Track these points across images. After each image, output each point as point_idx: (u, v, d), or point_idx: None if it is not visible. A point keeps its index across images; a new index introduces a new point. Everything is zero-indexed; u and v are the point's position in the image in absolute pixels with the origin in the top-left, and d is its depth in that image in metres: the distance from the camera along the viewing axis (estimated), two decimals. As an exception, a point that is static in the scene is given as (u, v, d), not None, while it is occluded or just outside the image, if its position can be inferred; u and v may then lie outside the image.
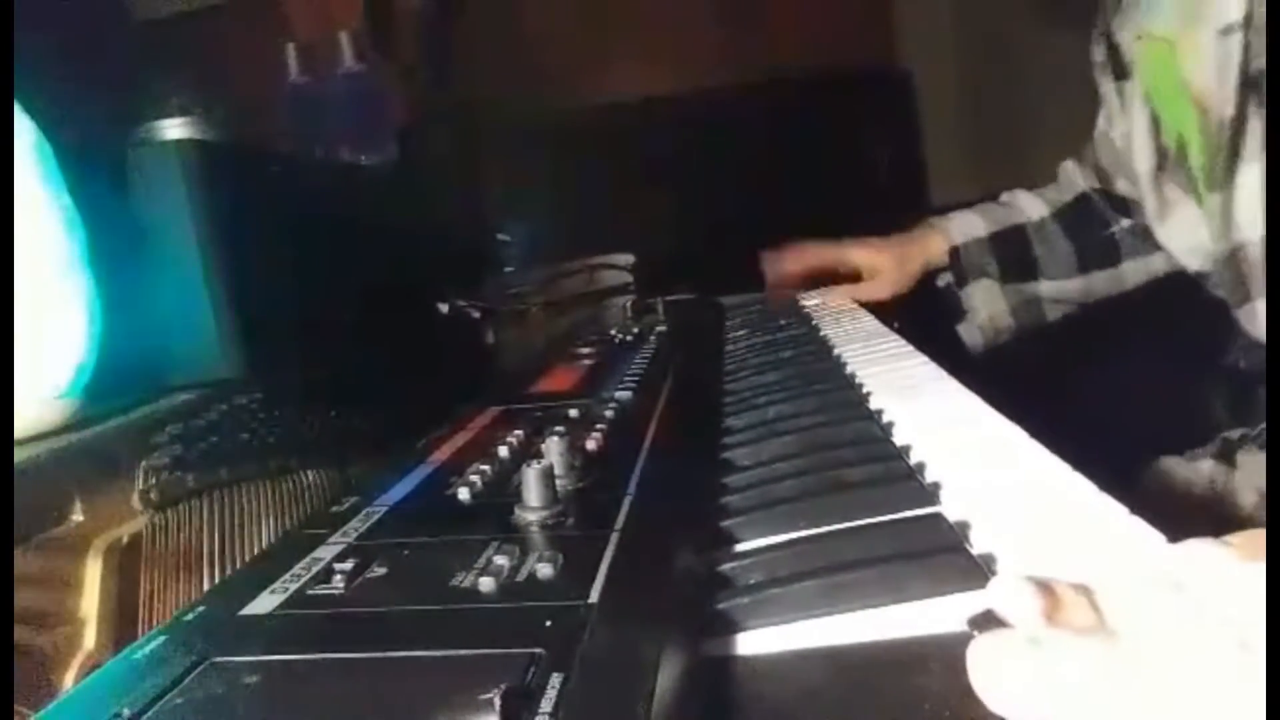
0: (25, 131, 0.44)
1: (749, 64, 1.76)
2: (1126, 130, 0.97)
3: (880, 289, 1.16)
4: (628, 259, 1.26)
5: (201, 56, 1.48)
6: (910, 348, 0.79)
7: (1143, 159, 0.93)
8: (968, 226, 1.15)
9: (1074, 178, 1.13)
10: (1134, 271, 1.10)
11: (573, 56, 1.77)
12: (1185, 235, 0.91)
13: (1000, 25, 1.88)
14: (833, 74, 1.76)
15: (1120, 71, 0.97)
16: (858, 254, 1.18)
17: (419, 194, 1.08)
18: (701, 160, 1.75)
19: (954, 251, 1.14)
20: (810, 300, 1.16)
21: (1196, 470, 0.96)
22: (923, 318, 1.10)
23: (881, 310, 1.04)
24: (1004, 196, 1.17)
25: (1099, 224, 1.10)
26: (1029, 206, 1.14)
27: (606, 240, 1.30)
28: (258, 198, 0.59)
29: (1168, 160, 0.91)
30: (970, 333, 1.15)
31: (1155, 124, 0.91)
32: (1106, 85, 1.01)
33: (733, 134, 1.79)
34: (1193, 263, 0.92)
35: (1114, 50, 0.98)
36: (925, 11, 1.88)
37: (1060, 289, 1.13)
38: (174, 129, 0.74)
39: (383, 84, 1.36)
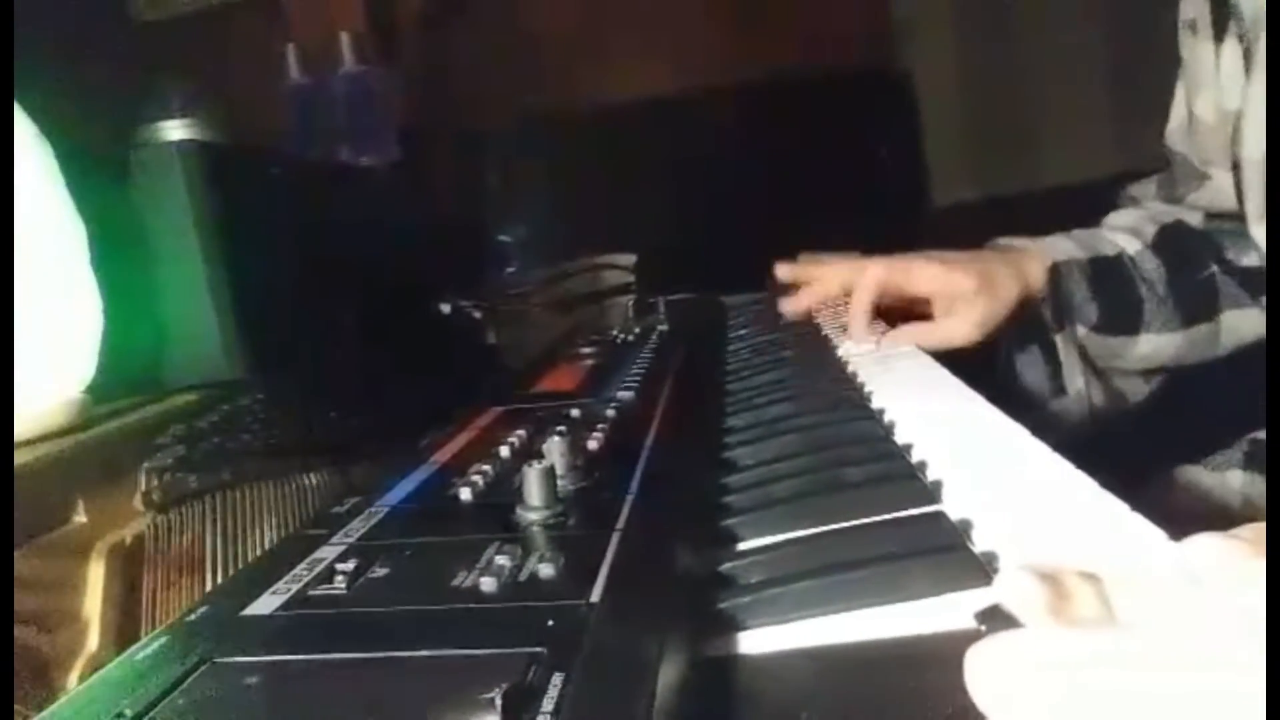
0: (26, 132, 0.45)
1: (749, 64, 1.76)
2: (1217, 100, 0.80)
3: (963, 329, 0.82)
4: (629, 259, 1.26)
5: (202, 57, 1.49)
6: (912, 346, 0.79)
7: (1253, 142, 0.75)
8: (1061, 247, 0.88)
9: (1152, 211, 0.91)
10: (1232, 328, 0.86)
11: (573, 56, 1.77)
12: None
13: (1000, 24, 1.88)
14: (833, 74, 1.76)
15: (1221, 28, 0.78)
16: (924, 277, 0.84)
17: (419, 194, 1.08)
18: (702, 160, 1.75)
19: (1054, 272, 0.85)
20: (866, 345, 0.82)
21: (1223, 482, 0.84)
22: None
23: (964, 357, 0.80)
24: (1076, 233, 0.91)
25: (1196, 262, 0.86)
26: (1120, 239, 0.89)
27: (608, 240, 1.30)
28: (259, 198, 0.59)
29: None
30: (1062, 410, 0.88)
31: None
32: (1200, 47, 0.82)
33: (733, 134, 1.79)
34: None
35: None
36: (925, 11, 1.88)
37: (1157, 347, 0.87)
38: (175, 129, 0.74)
39: (383, 85, 1.36)
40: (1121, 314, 0.87)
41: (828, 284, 0.91)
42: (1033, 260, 0.86)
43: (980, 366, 0.84)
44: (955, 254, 0.85)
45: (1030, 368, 0.89)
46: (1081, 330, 0.87)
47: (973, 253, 0.86)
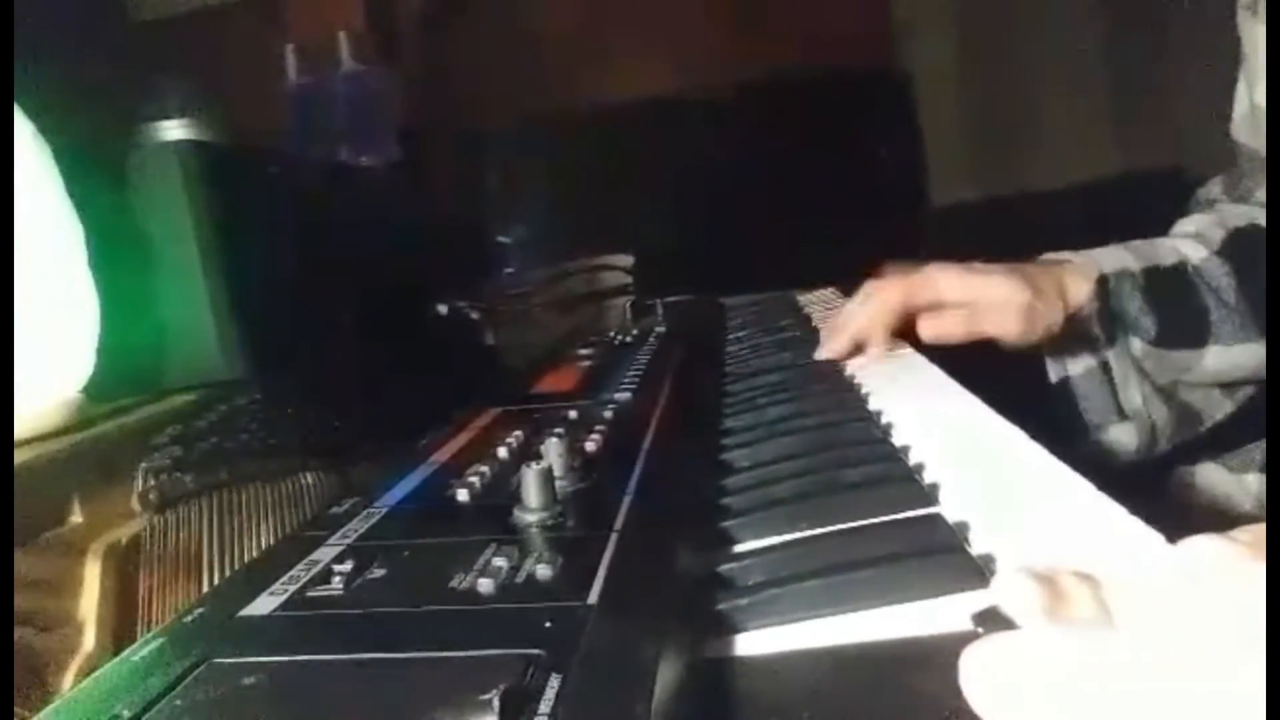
0: (25, 131, 0.44)
1: (749, 64, 1.76)
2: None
3: (1009, 323, 0.75)
4: (627, 260, 1.26)
5: (200, 57, 1.49)
6: (908, 348, 0.79)
7: None
8: (1113, 258, 0.80)
9: (1222, 214, 0.83)
10: None
11: (573, 56, 1.77)
12: None
13: (1000, 25, 1.89)
14: (833, 74, 1.76)
15: None
16: (951, 284, 0.75)
17: (419, 194, 1.08)
18: (701, 160, 1.76)
19: (1102, 285, 0.78)
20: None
21: (1240, 484, 0.80)
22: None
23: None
24: (1133, 243, 0.83)
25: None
26: (1183, 246, 0.81)
27: (606, 241, 1.30)
28: (258, 198, 0.59)
29: None
30: (1122, 433, 0.81)
31: None
32: (1258, 30, 0.77)
33: (733, 134, 1.79)
34: None
35: None
36: (925, 11, 1.88)
37: (1231, 360, 0.79)
38: (173, 129, 0.74)
39: (383, 84, 1.36)
40: (1183, 326, 0.79)
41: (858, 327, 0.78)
42: (1075, 274, 0.78)
43: (1032, 390, 0.82)
44: (987, 265, 0.77)
45: (1085, 386, 0.82)
46: (1138, 345, 0.80)
47: (1008, 265, 0.78)
